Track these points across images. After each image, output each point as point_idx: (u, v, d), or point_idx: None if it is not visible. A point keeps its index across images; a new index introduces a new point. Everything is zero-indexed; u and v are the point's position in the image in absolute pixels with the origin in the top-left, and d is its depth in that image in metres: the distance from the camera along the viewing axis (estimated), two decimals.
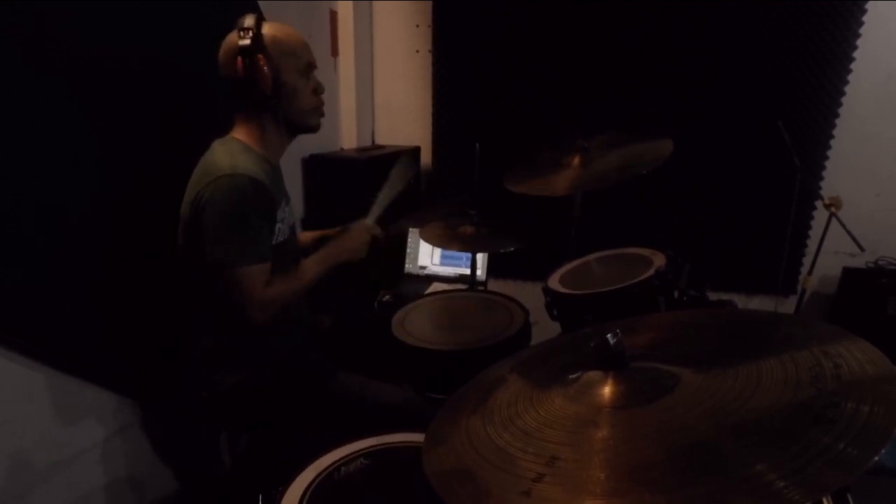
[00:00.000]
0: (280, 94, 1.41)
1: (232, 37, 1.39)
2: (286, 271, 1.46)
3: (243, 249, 1.34)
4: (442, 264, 2.72)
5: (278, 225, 1.46)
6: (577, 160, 1.90)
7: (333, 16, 2.72)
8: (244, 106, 1.45)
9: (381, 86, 3.05)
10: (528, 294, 1.99)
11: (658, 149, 1.77)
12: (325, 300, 1.77)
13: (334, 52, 2.75)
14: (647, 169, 1.68)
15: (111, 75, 1.46)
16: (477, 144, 2.21)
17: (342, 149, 2.85)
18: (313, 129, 1.55)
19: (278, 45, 1.40)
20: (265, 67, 1.36)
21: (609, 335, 0.78)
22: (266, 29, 1.39)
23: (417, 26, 2.92)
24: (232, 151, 1.41)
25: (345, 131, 2.89)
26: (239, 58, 1.36)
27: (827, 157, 2.54)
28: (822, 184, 2.55)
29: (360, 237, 1.63)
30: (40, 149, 1.30)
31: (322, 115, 1.55)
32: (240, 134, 1.47)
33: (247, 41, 1.35)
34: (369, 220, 1.69)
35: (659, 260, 1.61)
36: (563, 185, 1.84)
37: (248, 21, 1.36)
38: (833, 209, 2.32)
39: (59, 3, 1.32)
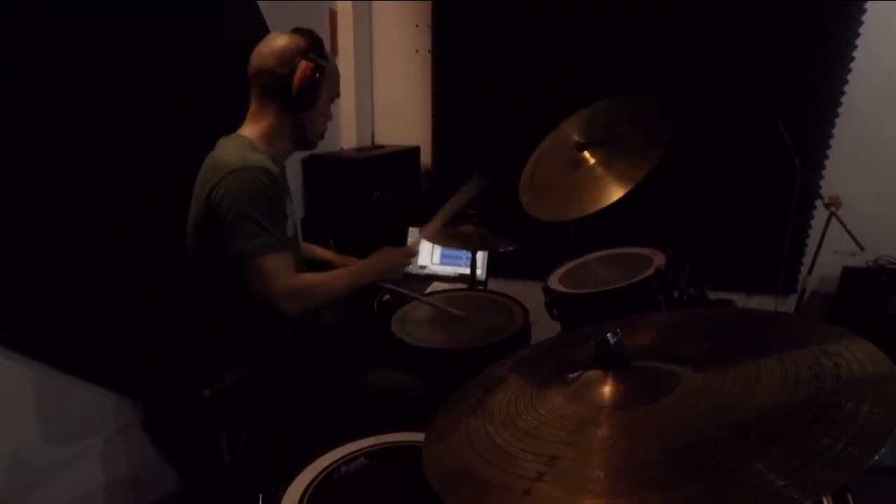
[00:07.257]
0: (311, 107, 1.48)
1: (296, 39, 1.44)
2: (297, 267, 1.46)
3: (265, 239, 1.35)
4: (442, 264, 2.72)
5: (288, 220, 1.48)
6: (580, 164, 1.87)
7: (333, 16, 2.72)
8: (270, 104, 1.47)
9: (381, 86, 3.04)
10: (528, 294, 1.99)
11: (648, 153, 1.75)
12: None
13: (334, 52, 2.74)
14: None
15: (114, 75, 1.46)
16: (477, 145, 2.21)
17: (342, 149, 2.85)
18: (312, 147, 1.62)
19: (330, 67, 1.51)
20: (318, 77, 1.43)
21: (609, 334, 0.78)
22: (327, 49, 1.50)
23: (417, 26, 2.92)
24: (241, 146, 1.43)
25: (345, 131, 2.88)
26: (304, 61, 1.41)
27: (827, 157, 2.54)
28: (823, 183, 2.55)
29: (400, 260, 1.66)
30: (38, 149, 1.29)
31: (322, 139, 1.63)
32: (248, 131, 1.48)
33: (316, 50, 1.44)
34: (414, 241, 1.76)
35: (659, 259, 1.61)
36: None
37: (315, 35, 1.46)
38: (833, 208, 2.32)
39: (60, 3, 1.32)
